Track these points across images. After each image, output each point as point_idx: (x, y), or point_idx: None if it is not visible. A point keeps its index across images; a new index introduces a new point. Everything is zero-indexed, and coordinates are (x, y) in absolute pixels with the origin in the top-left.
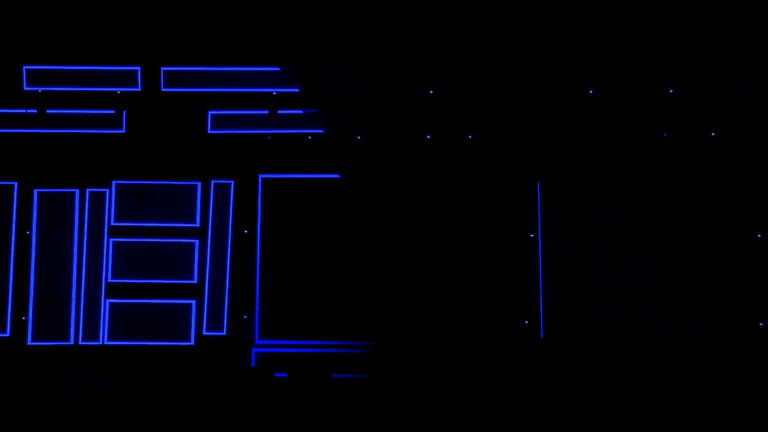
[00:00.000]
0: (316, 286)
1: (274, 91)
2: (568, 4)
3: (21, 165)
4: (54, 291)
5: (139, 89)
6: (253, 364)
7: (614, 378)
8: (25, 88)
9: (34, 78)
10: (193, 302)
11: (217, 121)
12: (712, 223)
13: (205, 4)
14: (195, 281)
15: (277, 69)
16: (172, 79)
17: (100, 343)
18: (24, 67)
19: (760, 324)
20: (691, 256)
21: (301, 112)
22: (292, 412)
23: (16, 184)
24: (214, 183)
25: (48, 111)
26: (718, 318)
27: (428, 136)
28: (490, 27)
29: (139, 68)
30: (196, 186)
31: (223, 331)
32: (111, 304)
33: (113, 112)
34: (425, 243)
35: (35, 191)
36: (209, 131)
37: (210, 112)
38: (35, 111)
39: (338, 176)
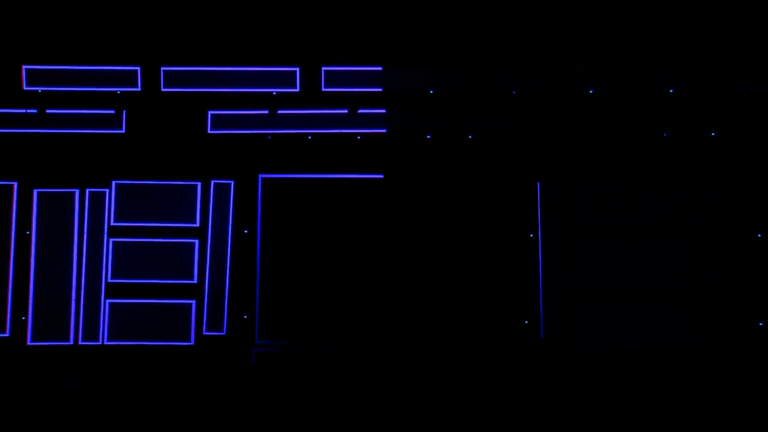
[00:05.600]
0: (316, 286)
1: (274, 90)
2: (568, 4)
3: (21, 165)
4: (54, 291)
5: (139, 89)
6: (253, 364)
7: (614, 377)
8: (25, 88)
9: (34, 78)
10: (193, 302)
11: (217, 121)
12: (712, 222)
13: (204, 4)
14: (195, 281)
15: (278, 69)
16: (172, 79)
17: (100, 342)
18: (24, 67)
19: (760, 324)
20: (690, 256)
21: (303, 111)
22: (292, 411)
23: (16, 183)
24: (214, 183)
25: (48, 111)
26: (718, 318)
27: (428, 136)
28: (490, 27)
29: (139, 68)
30: (196, 186)
31: (223, 331)
32: (111, 304)
33: (113, 112)
34: (424, 243)
35: (35, 191)
36: (209, 131)
37: (210, 112)
38: (35, 111)
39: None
